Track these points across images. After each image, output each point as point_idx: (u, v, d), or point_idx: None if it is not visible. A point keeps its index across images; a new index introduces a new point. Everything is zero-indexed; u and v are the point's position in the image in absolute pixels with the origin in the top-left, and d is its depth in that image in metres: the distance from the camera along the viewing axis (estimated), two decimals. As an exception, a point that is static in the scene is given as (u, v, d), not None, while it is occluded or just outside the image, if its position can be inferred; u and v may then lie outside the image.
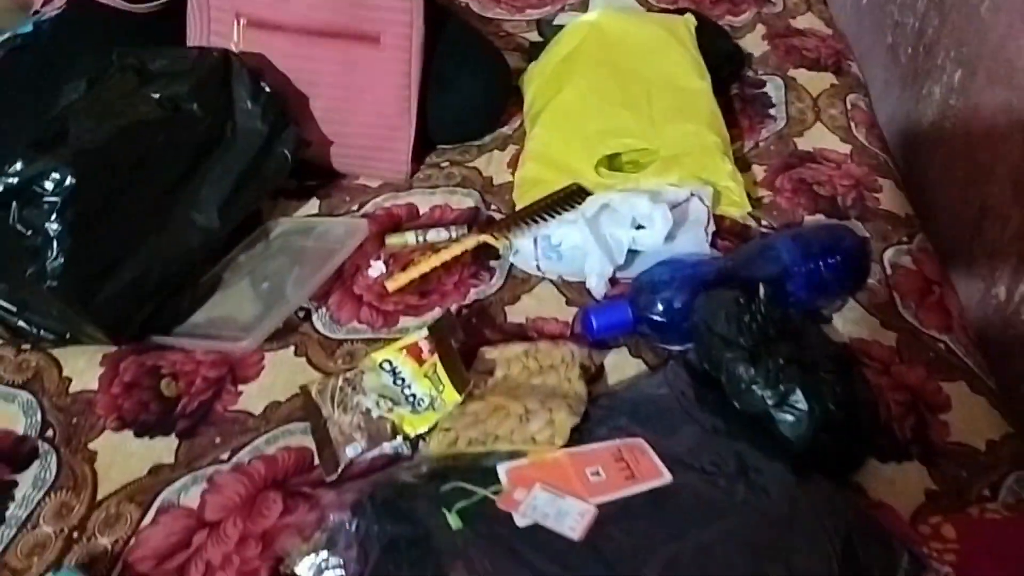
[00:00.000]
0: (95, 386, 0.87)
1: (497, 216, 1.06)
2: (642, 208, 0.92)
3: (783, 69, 1.31)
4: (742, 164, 1.13)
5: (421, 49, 1.06)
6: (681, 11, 1.30)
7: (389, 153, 1.09)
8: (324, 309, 0.95)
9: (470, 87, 1.11)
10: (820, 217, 1.05)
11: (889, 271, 0.99)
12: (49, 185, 0.80)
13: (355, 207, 1.08)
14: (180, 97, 0.90)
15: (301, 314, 0.94)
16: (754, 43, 1.37)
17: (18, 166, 0.80)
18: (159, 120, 0.89)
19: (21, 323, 0.87)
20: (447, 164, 1.13)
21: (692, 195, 0.93)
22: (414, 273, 0.96)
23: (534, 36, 1.36)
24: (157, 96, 0.89)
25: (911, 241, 1.04)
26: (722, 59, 1.24)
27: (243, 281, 0.97)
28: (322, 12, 1.04)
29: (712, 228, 0.96)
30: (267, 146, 0.96)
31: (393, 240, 1.01)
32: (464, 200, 1.08)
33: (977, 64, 1.14)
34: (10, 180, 0.79)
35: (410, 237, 1.02)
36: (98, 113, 0.86)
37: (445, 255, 0.98)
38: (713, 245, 0.97)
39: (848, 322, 0.92)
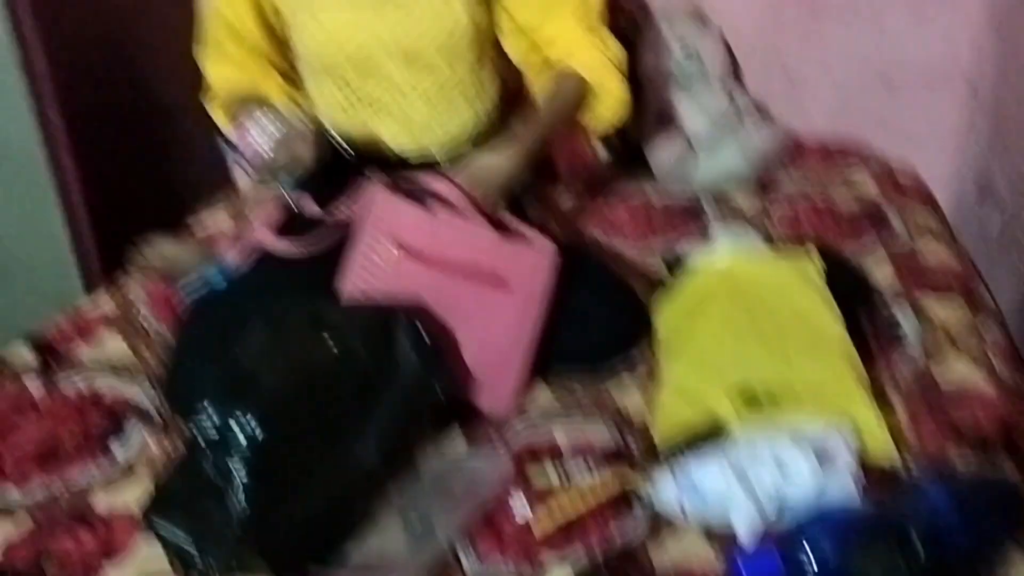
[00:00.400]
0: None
1: (635, 451, 1.08)
2: (785, 448, 0.93)
3: (913, 299, 1.32)
4: (879, 398, 1.12)
5: (546, 294, 1.14)
6: (803, 242, 1.34)
7: (495, 389, 1.14)
8: (470, 546, 0.97)
9: (605, 320, 1.18)
10: (968, 456, 1.03)
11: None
12: (240, 435, 0.88)
13: (499, 445, 1.12)
14: (351, 343, 0.99)
15: (448, 551, 0.96)
16: (880, 273, 1.39)
17: (212, 415, 0.89)
18: (333, 368, 0.97)
19: (194, 553, 0.93)
20: (578, 388, 1.17)
21: (835, 435, 0.94)
22: (560, 520, 0.98)
23: (659, 262, 1.42)
24: (331, 343, 0.98)
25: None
26: (849, 289, 1.27)
27: (394, 517, 1.01)
28: (467, 251, 1.13)
29: (859, 471, 0.95)
30: (424, 391, 1.03)
31: (537, 479, 1.04)
32: (600, 432, 1.11)
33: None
34: (205, 427, 0.88)
35: (552, 477, 1.04)
36: (283, 364, 0.96)
37: (591, 500, 0.99)
38: (860, 489, 0.95)
39: (1008, 569, 0.88)
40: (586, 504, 0.98)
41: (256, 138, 1.15)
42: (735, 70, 1.78)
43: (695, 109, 1.62)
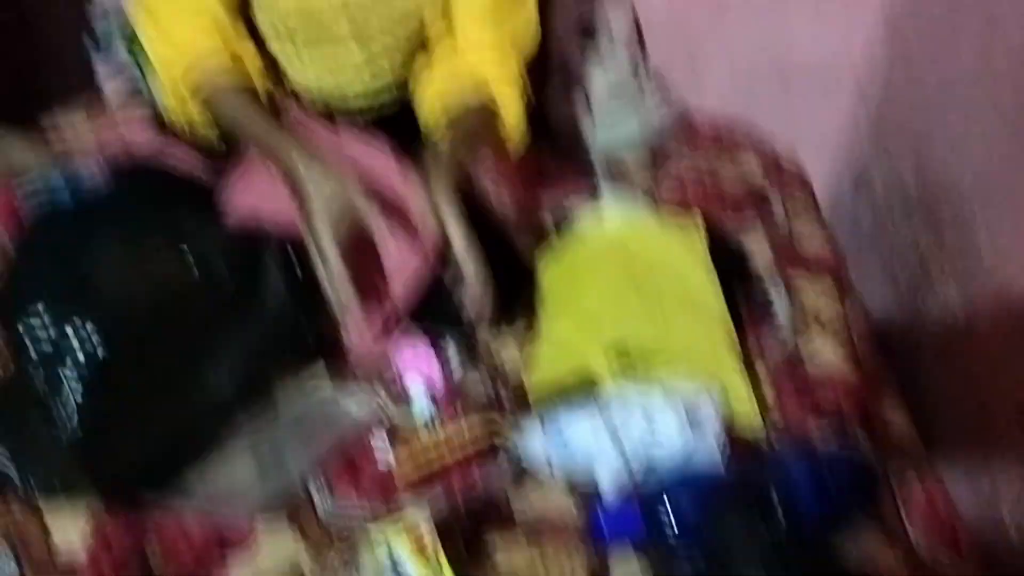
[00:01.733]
0: (81, 551, 0.83)
1: (506, 402, 1.06)
2: (656, 405, 0.92)
3: (785, 276, 1.34)
4: (748, 367, 1.14)
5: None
6: (689, 210, 1.35)
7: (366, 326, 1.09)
8: (324, 483, 0.92)
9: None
10: (826, 426, 1.06)
11: (896, 490, 0.98)
12: (76, 343, 0.79)
13: (364, 382, 1.07)
14: (212, 260, 0.92)
15: (300, 484, 0.91)
16: (758, 250, 1.41)
17: (47, 319, 0.80)
18: (189, 283, 0.90)
19: (11, 473, 0.84)
20: (454, 336, 1.13)
21: (703, 397, 0.94)
22: (424, 471, 0.94)
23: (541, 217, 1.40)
24: (191, 259, 0.91)
25: (916, 459, 1.04)
26: (728, 264, 1.28)
27: (245, 449, 0.95)
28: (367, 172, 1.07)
29: (723, 434, 0.96)
30: (290, 317, 0.97)
31: (400, 422, 1.01)
32: (473, 382, 1.08)
33: (974, 288, 1.19)
34: (37, 335, 0.79)
35: (417, 419, 1.01)
36: (128, 270, 0.88)
37: (458, 453, 0.96)
38: (723, 452, 0.96)
39: (859, 545, 0.91)
40: (452, 455, 0.95)
41: None
42: (641, 44, 1.78)
43: (599, 73, 1.60)
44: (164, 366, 0.89)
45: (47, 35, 1.56)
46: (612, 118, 1.62)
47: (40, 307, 0.87)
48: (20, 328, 0.81)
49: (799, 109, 1.80)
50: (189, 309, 0.92)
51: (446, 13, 1.22)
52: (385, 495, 0.92)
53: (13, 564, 0.81)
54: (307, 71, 1.21)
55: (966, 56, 1.32)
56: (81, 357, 0.81)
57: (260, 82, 1.13)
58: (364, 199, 0.97)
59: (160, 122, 1.17)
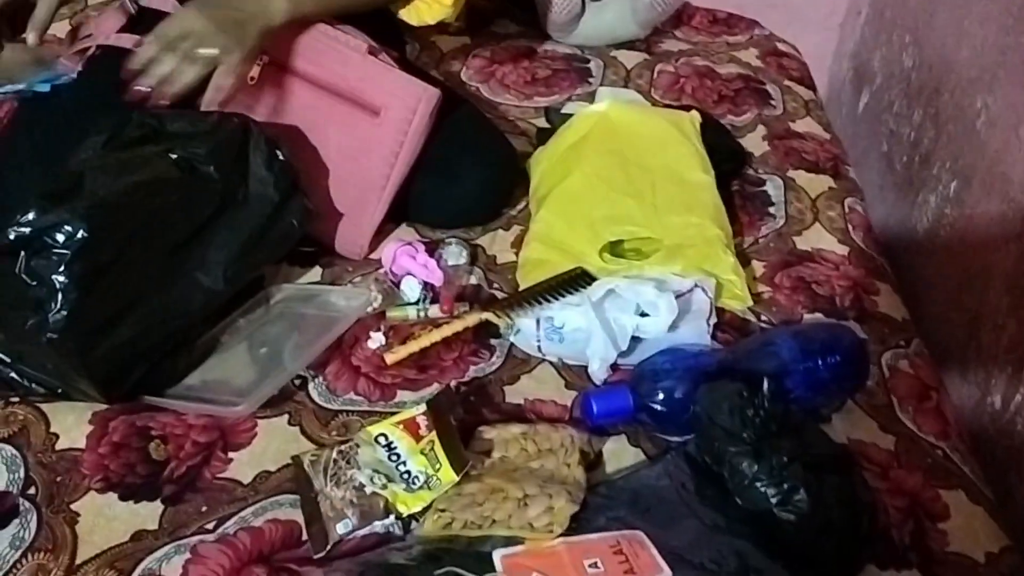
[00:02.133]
0: (82, 444, 0.85)
1: (499, 295, 1.06)
2: (647, 295, 0.93)
3: (783, 169, 1.33)
4: (742, 259, 1.14)
5: (420, 136, 1.08)
6: (686, 108, 1.33)
7: (353, 228, 1.09)
8: (321, 378, 0.93)
9: (475, 175, 1.12)
10: (819, 316, 1.06)
11: (887, 374, 0.99)
12: (60, 237, 0.79)
13: (358, 277, 1.07)
14: (196, 158, 0.91)
15: (297, 382, 0.93)
16: (755, 143, 1.39)
17: (30, 216, 0.80)
18: (174, 179, 0.89)
19: (12, 375, 0.86)
20: (452, 240, 1.13)
21: (696, 286, 0.94)
22: (413, 347, 0.96)
23: (541, 122, 1.39)
24: (174, 156, 0.90)
25: (908, 345, 1.05)
26: (724, 155, 1.27)
27: (241, 345, 0.96)
28: (332, 74, 1.06)
29: (714, 320, 0.96)
30: (277, 213, 0.97)
31: (394, 313, 1.01)
32: (466, 274, 1.08)
33: (972, 176, 1.18)
34: (21, 230, 0.79)
35: (411, 311, 1.01)
36: (114, 168, 0.87)
37: (446, 330, 0.97)
38: (713, 337, 0.97)
39: (847, 423, 0.92)
40: (441, 334, 0.96)
41: None
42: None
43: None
44: (150, 258, 0.88)
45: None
46: (604, 9, 1.57)
47: (25, 201, 0.84)
48: (4, 221, 0.81)
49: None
50: (176, 205, 0.90)
51: None
52: (382, 391, 0.93)
53: (18, 459, 0.83)
54: None
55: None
56: (62, 241, 0.80)
57: None
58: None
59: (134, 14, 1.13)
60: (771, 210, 1.25)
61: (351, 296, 1.03)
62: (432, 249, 1.09)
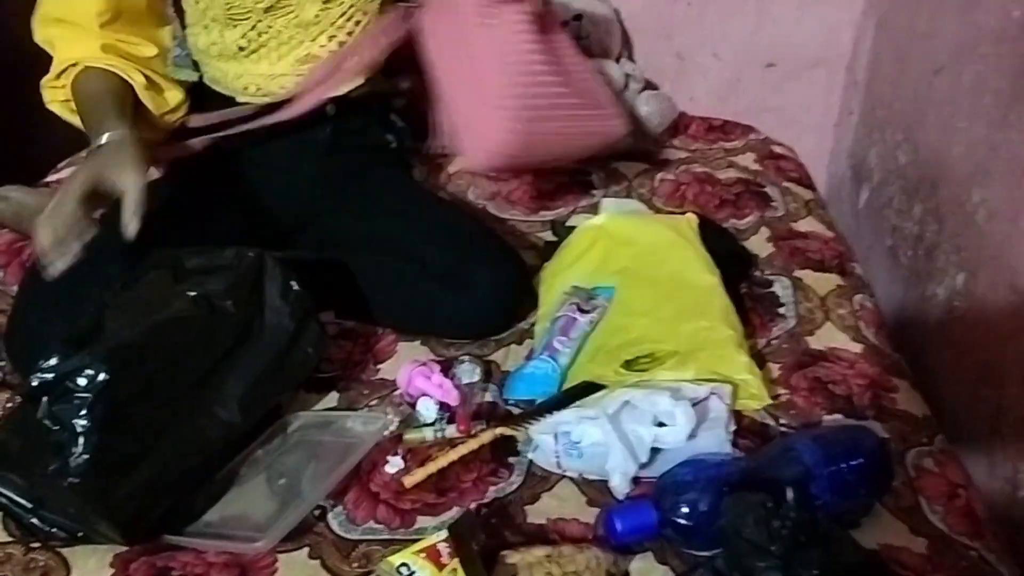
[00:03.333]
0: (103, 587, 0.84)
1: (515, 411, 1.06)
2: (663, 405, 0.92)
3: (789, 270, 1.35)
4: (756, 361, 1.14)
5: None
6: (684, 213, 1.36)
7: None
8: (340, 507, 0.93)
9: (487, 283, 1.14)
10: (838, 417, 1.05)
11: (913, 474, 0.98)
12: (82, 381, 0.81)
13: (374, 401, 1.08)
14: (215, 295, 0.93)
15: (316, 512, 0.92)
16: (759, 245, 1.41)
17: (53, 361, 0.81)
18: (192, 317, 0.91)
19: (34, 520, 0.86)
20: (466, 358, 1.14)
21: (711, 394, 0.94)
22: (432, 468, 0.95)
23: (548, 235, 1.42)
24: (192, 294, 0.92)
25: (931, 442, 1.03)
26: (729, 259, 1.29)
27: (259, 477, 0.96)
28: None
29: (733, 427, 0.96)
30: (293, 342, 0.99)
31: (411, 435, 1.01)
32: (483, 393, 1.08)
33: (978, 268, 1.19)
34: (44, 376, 0.81)
35: (428, 432, 1.01)
36: (133, 309, 0.89)
37: (463, 449, 0.97)
38: (734, 445, 0.96)
39: (876, 527, 0.90)
40: (458, 453, 0.96)
41: None
42: (626, 45, 1.79)
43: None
44: (171, 398, 0.89)
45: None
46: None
47: (48, 345, 0.87)
48: (28, 366, 0.83)
49: (790, 97, 1.81)
50: (194, 342, 0.92)
51: None
52: (402, 517, 0.92)
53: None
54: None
55: (949, 38, 1.33)
56: (87, 391, 0.81)
57: (139, 80, 1.13)
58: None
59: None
60: (781, 311, 1.26)
61: (368, 421, 1.03)
62: (447, 368, 1.10)
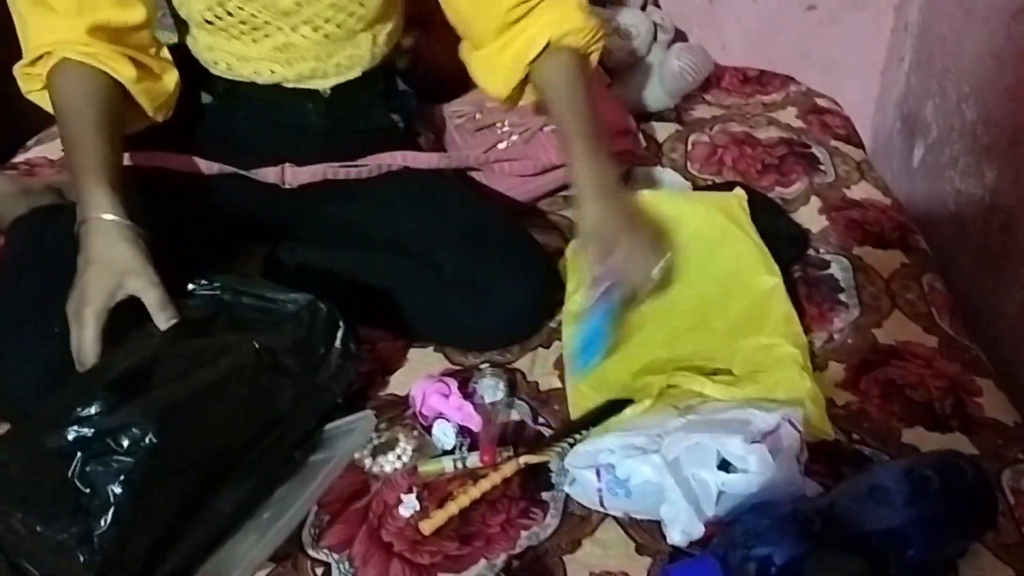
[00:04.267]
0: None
1: (547, 431, 0.92)
2: (734, 448, 0.77)
3: (847, 247, 1.19)
4: (818, 362, 1.00)
5: None
6: (729, 185, 1.20)
7: None
8: (347, 564, 0.79)
9: (514, 290, 0.99)
10: (920, 431, 0.91)
11: (1012, 499, 0.84)
12: (125, 441, 0.68)
13: (383, 424, 0.93)
14: (282, 350, 0.82)
15: (320, 570, 0.78)
16: (810, 217, 1.26)
17: (94, 410, 0.68)
18: (256, 375, 0.80)
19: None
20: (487, 365, 1.00)
21: (783, 420, 0.79)
22: (452, 510, 0.82)
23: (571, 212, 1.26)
24: (257, 345, 0.80)
25: (1030, 458, 0.89)
26: (783, 241, 1.13)
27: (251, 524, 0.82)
28: None
29: (805, 456, 0.81)
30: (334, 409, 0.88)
31: (427, 467, 0.87)
32: (509, 411, 0.94)
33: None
34: (82, 430, 0.68)
35: (447, 462, 0.87)
36: (189, 358, 0.77)
37: (486, 484, 0.84)
38: (805, 472, 0.82)
39: (975, 569, 0.77)
40: (480, 489, 0.82)
41: None
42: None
43: (609, 29, 1.43)
44: (215, 469, 0.77)
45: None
46: (631, 78, 1.46)
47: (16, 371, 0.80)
48: (70, 418, 0.70)
49: (833, 43, 1.64)
50: (250, 406, 0.80)
51: None
52: (419, 574, 0.78)
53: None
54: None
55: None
56: (129, 454, 0.69)
57: (128, 74, 0.94)
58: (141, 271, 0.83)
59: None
60: (842, 297, 1.11)
61: (355, 422, 0.88)
62: (465, 382, 0.95)
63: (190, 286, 0.88)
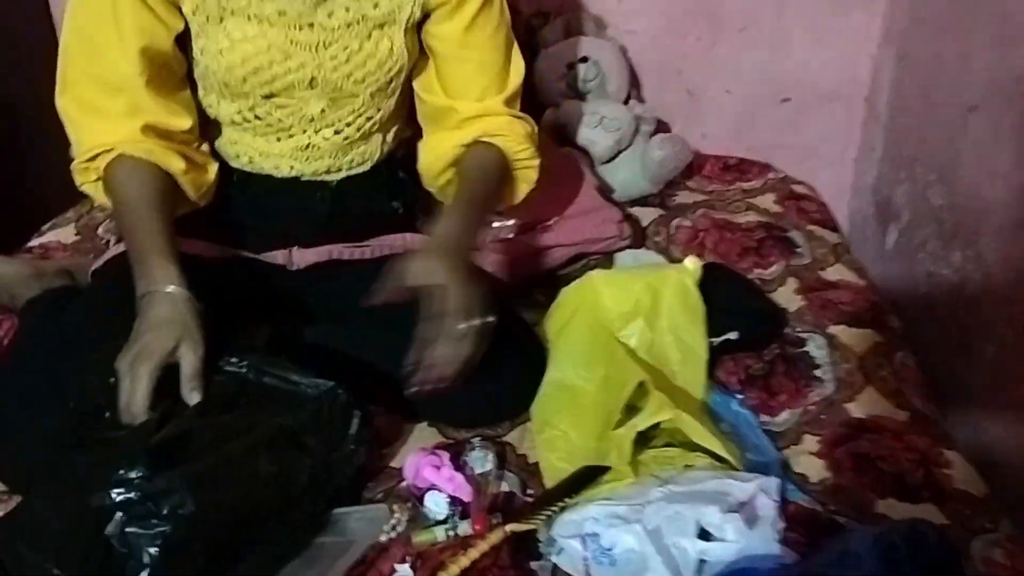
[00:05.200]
0: None
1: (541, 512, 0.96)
2: (711, 518, 0.82)
3: (822, 326, 1.25)
4: (793, 435, 1.06)
5: None
6: (709, 263, 1.26)
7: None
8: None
9: (512, 372, 1.05)
10: (892, 502, 0.95)
11: (981, 568, 0.88)
12: (165, 507, 0.73)
13: (379, 493, 0.98)
14: (303, 428, 0.87)
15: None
16: (787, 298, 1.32)
17: (136, 474, 0.73)
18: (281, 450, 0.85)
19: None
20: (476, 444, 1.04)
21: (759, 491, 0.84)
22: (447, 577, 0.85)
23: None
24: (281, 422, 0.86)
25: (996, 527, 0.93)
26: (759, 319, 1.19)
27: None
28: None
29: (782, 524, 0.86)
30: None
31: (421, 537, 0.91)
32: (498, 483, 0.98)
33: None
34: (127, 493, 0.73)
35: (439, 532, 0.91)
36: (218, 431, 0.83)
37: (475, 553, 0.87)
38: (782, 540, 0.86)
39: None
40: (470, 558, 0.86)
41: None
42: (635, 83, 1.71)
43: (594, 121, 1.52)
44: (233, 536, 0.81)
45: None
46: (614, 167, 1.54)
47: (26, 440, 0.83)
48: (114, 480, 0.74)
49: (807, 133, 1.73)
50: (270, 484, 0.84)
51: (430, 85, 1.16)
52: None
53: None
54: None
55: (982, 75, 1.24)
56: (167, 520, 0.74)
57: (177, 167, 1.04)
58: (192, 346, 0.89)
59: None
60: (817, 373, 1.16)
61: (368, 514, 0.93)
62: (457, 454, 1.00)
63: (220, 363, 0.92)
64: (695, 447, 0.95)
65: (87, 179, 1.05)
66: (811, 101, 1.72)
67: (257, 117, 1.09)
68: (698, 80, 1.73)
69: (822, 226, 1.55)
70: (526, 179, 1.18)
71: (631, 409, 0.97)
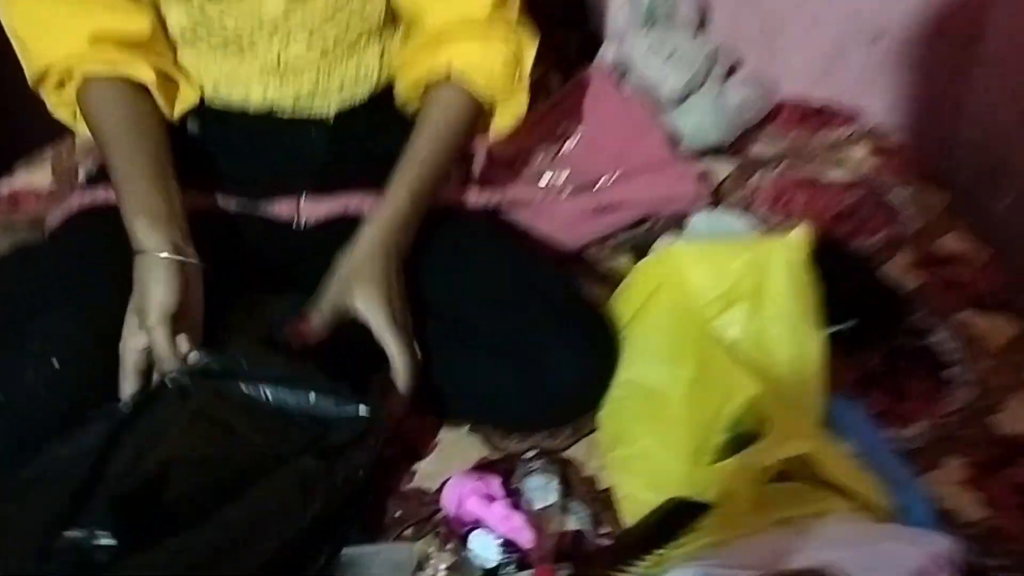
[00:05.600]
0: None
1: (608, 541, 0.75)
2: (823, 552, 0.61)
3: (945, 311, 1.02)
4: (929, 454, 0.84)
5: None
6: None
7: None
8: None
9: (566, 364, 0.82)
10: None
11: None
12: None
13: (408, 529, 0.76)
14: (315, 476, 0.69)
15: None
16: (898, 275, 1.09)
17: (97, 541, 0.58)
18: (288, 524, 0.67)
19: None
20: (533, 454, 0.82)
21: (933, 559, 0.62)
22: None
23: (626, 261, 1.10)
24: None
25: None
26: (880, 303, 0.97)
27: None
28: None
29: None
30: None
31: (464, 590, 0.70)
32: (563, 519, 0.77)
33: None
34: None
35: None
36: (205, 470, 0.66)
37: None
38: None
39: None
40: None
41: None
42: (706, 17, 1.46)
43: (662, 60, 1.28)
44: None
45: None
46: (685, 111, 1.31)
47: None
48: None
49: (903, 77, 1.49)
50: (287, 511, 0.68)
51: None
52: None
53: None
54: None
55: None
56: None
57: (148, 76, 0.87)
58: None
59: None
60: (950, 375, 0.94)
61: (389, 558, 0.73)
62: (508, 475, 0.78)
63: (205, 364, 0.76)
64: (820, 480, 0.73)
65: (60, 102, 0.91)
66: (905, 43, 1.47)
67: (208, 27, 0.88)
68: (776, 12, 1.48)
69: (926, 184, 1.31)
70: (509, 114, 0.96)
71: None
